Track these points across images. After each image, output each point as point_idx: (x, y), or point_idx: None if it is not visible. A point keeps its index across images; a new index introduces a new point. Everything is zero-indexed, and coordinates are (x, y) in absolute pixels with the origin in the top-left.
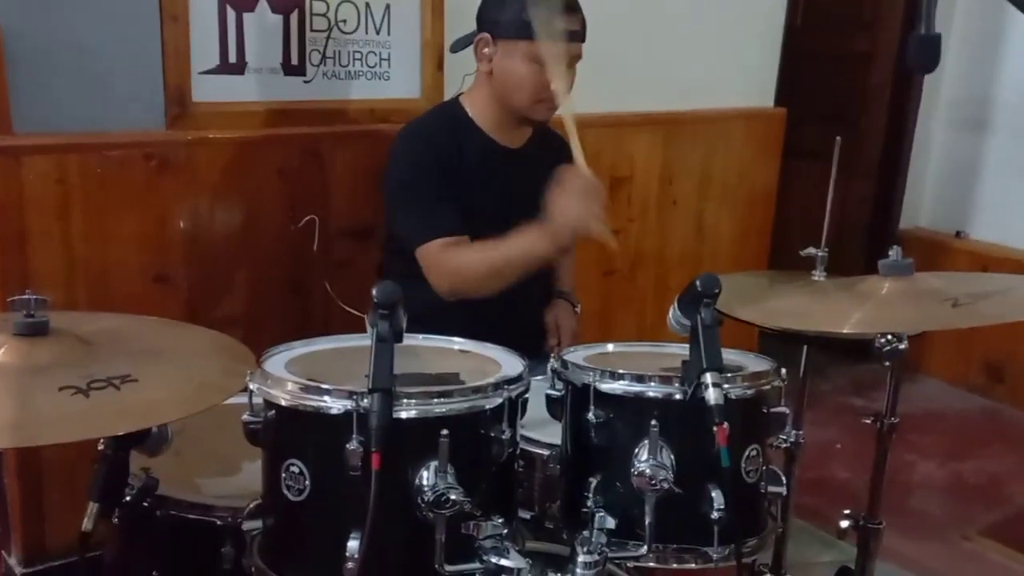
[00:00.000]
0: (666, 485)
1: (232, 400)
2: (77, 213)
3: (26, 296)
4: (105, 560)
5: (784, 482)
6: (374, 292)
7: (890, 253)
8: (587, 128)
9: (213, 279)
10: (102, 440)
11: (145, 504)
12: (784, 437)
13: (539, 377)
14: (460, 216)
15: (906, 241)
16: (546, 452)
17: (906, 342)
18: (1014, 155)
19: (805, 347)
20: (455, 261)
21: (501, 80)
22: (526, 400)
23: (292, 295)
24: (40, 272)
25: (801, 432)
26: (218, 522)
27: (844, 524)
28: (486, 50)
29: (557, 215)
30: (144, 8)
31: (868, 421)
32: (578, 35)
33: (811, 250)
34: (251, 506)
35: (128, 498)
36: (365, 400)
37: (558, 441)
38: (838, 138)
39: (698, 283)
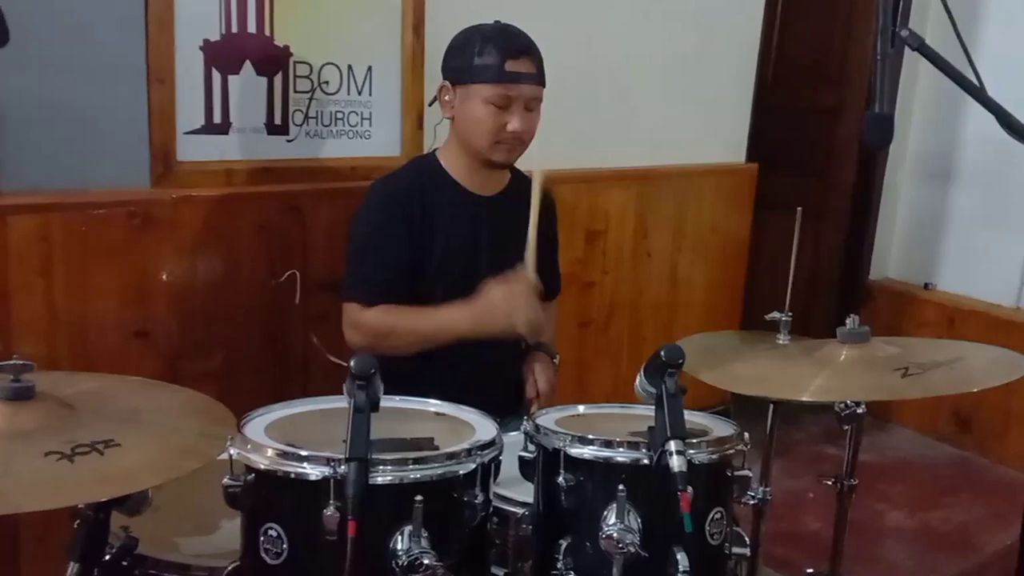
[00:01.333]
0: (632, 548)
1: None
2: (60, 269)
3: (13, 361)
4: None
5: (748, 543)
6: (351, 363)
7: (847, 321)
8: (563, 183)
9: (194, 334)
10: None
11: (124, 564)
12: (752, 494)
13: (514, 433)
14: (397, 283)
15: (876, 292)
16: (520, 510)
17: (863, 407)
18: (979, 208)
19: (771, 406)
20: (381, 323)
21: (461, 124)
22: (499, 463)
23: (272, 348)
24: (22, 326)
25: (768, 488)
26: None
27: None
28: (447, 97)
29: (488, 305)
30: (131, 70)
31: (829, 483)
32: (532, 77)
33: (775, 314)
34: (230, 567)
35: (107, 557)
36: (343, 467)
37: (531, 499)
38: (799, 209)
39: (663, 353)
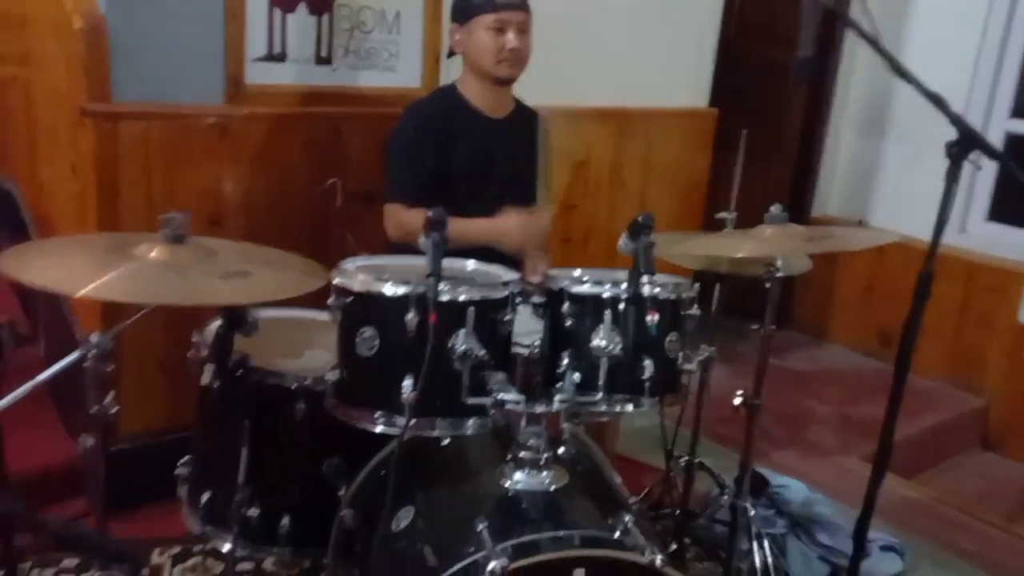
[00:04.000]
0: (615, 352)
1: (291, 314)
2: (156, 167)
3: (174, 215)
4: (206, 415)
5: (692, 360)
6: (429, 213)
7: (772, 208)
8: (552, 118)
9: (255, 225)
10: (217, 322)
11: (239, 372)
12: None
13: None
14: (430, 187)
15: (816, 225)
16: (525, 351)
17: (780, 271)
18: (908, 153)
19: (717, 284)
20: (413, 221)
21: (470, 54)
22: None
23: (315, 243)
24: (127, 213)
25: (713, 348)
26: (292, 387)
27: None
28: (457, 36)
29: (508, 228)
30: (211, 8)
31: (737, 402)
32: (518, 5)
33: (723, 214)
34: (330, 369)
35: (230, 364)
36: (421, 286)
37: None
38: (744, 131)
39: (639, 218)
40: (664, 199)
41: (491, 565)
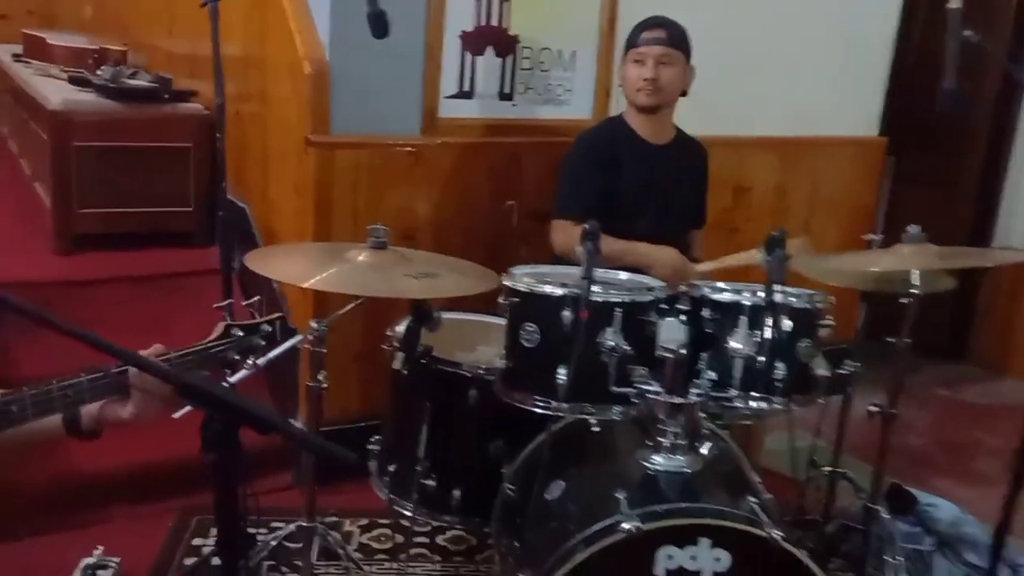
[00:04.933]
0: (748, 354)
1: (468, 317)
2: (363, 188)
3: (378, 226)
4: (395, 398)
5: (826, 367)
6: (586, 226)
7: (909, 228)
8: (716, 146)
9: (442, 240)
10: (407, 319)
11: (423, 360)
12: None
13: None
14: (596, 206)
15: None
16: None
17: (917, 287)
18: None
19: (864, 304)
20: (575, 235)
21: (623, 83)
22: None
23: (494, 256)
24: (337, 227)
25: (858, 364)
26: (468, 375)
27: None
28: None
29: (664, 260)
30: (412, 51)
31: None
32: (660, 40)
33: (870, 236)
34: (499, 358)
35: (417, 351)
36: (575, 288)
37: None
38: (891, 156)
39: (775, 232)
40: (830, 226)
41: (626, 525)
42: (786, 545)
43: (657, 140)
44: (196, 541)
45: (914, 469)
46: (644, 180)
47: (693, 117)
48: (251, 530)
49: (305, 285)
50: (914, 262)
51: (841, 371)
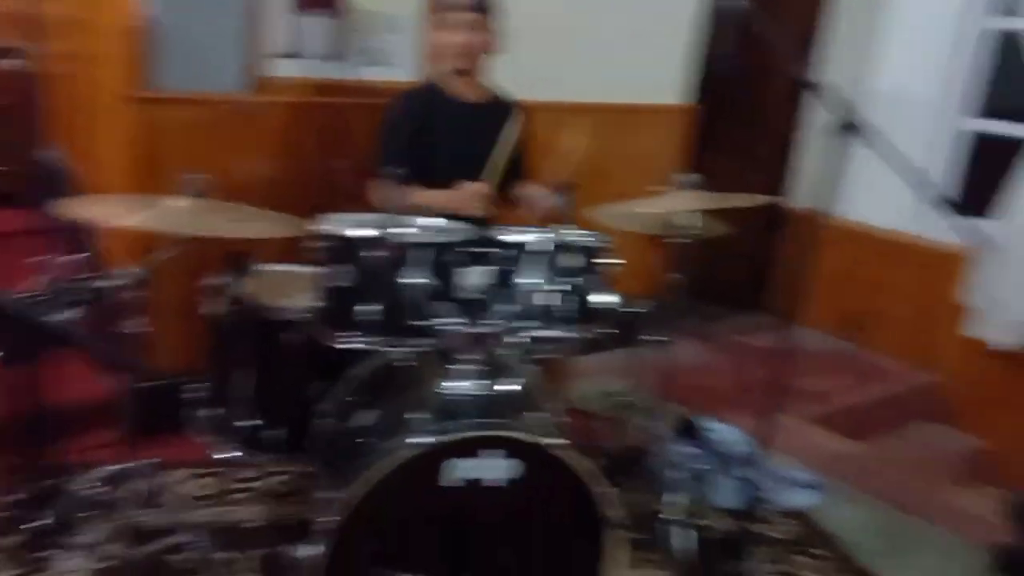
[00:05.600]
0: (539, 289)
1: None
2: (189, 146)
3: (194, 175)
4: (216, 344)
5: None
6: (390, 170)
7: (684, 177)
8: (533, 112)
9: (270, 199)
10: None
11: (241, 308)
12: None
13: None
14: (411, 162)
15: (794, 218)
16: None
17: (689, 228)
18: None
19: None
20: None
21: (433, 47)
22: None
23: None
24: (164, 185)
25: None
26: (283, 318)
27: None
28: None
29: (460, 196)
30: (238, 9)
31: None
32: (469, 5)
33: (656, 187)
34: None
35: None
36: (375, 230)
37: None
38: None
39: (563, 182)
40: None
41: (412, 440)
42: (570, 454)
43: (471, 99)
44: None
45: (711, 404)
46: (459, 137)
47: (512, 81)
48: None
49: (116, 224)
50: (687, 204)
51: (632, 311)
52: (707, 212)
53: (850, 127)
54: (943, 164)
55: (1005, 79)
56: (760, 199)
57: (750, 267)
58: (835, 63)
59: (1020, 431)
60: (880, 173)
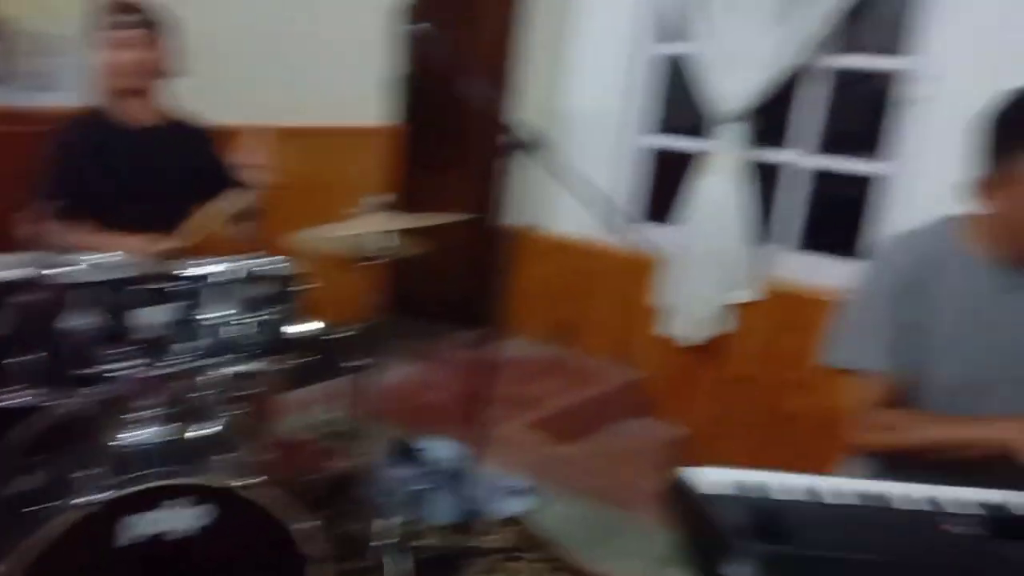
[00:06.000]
0: (222, 323)
1: None
2: None
3: None
4: None
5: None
6: (42, 207)
7: (367, 198)
8: (231, 135)
9: None
10: None
11: None
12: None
13: None
14: (73, 194)
15: (503, 234)
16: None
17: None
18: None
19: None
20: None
21: (98, 68)
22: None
23: None
24: None
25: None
26: None
27: None
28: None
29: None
30: None
31: None
32: (132, 23)
33: (352, 209)
34: None
35: None
36: (26, 271)
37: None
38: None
39: (244, 207)
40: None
41: (80, 501)
42: (265, 493)
43: (143, 123)
44: None
45: (432, 422)
46: (128, 164)
47: (211, 105)
48: None
49: None
50: (380, 225)
51: (336, 337)
52: (408, 231)
53: (531, 146)
54: (629, 178)
55: (674, 99)
56: (455, 217)
57: (468, 283)
58: (530, 86)
59: (709, 415)
60: (577, 188)
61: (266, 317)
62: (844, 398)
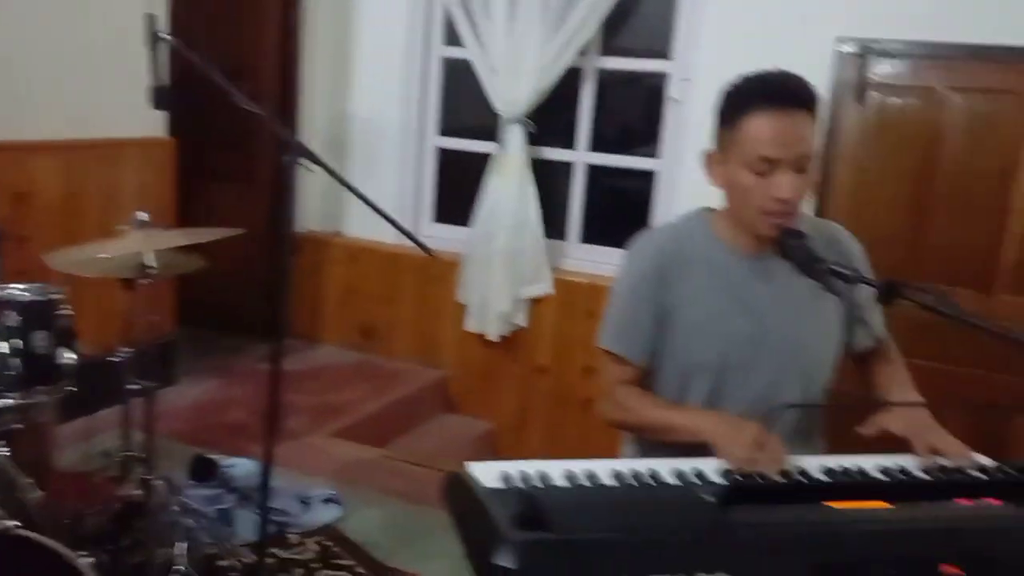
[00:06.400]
0: None
1: None
2: None
3: None
4: None
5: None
6: None
7: (136, 214)
8: None
9: None
10: None
11: None
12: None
13: None
14: None
15: (302, 241)
16: None
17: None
18: (365, 169)
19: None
20: None
21: None
22: None
23: None
24: None
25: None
26: None
27: None
28: None
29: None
30: None
31: None
32: None
33: (122, 226)
34: None
35: None
36: None
37: None
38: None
39: None
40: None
41: None
42: (33, 535)
43: None
44: None
45: (233, 439)
46: None
47: None
48: None
49: None
50: (150, 243)
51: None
52: (185, 246)
53: (314, 153)
54: (421, 179)
55: (465, 101)
56: (226, 232)
57: (268, 294)
58: (315, 91)
59: (512, 408)
60: (373, 192)
61: (28, 345)
62: (600, 379)
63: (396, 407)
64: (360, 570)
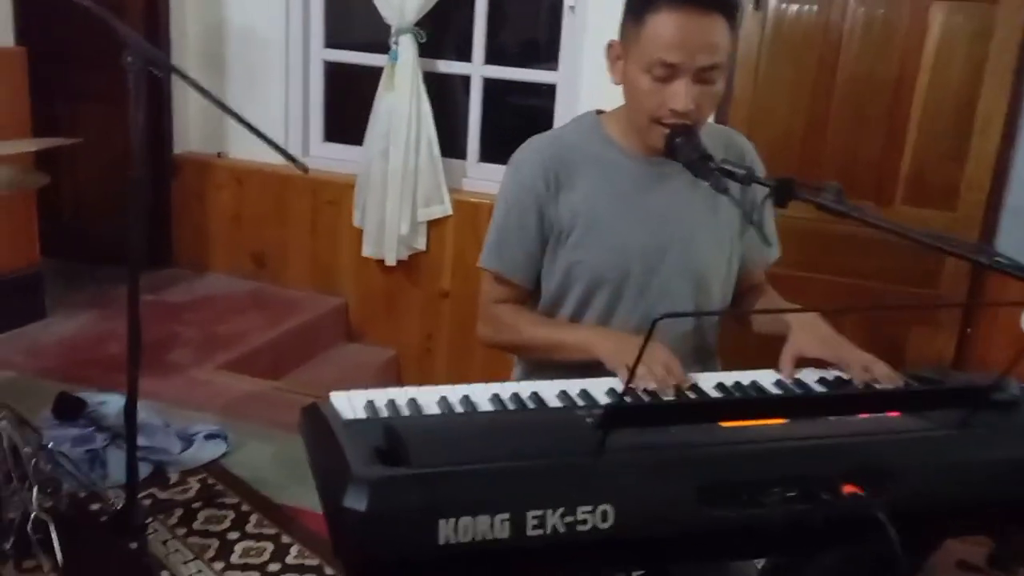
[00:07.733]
0: None
1: None
2: None
3: None
4: None
5: None
6: None
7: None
8: None
9: None
10: None
11: None
12: None
13: None
14: None
15: (182, 163)
16: None
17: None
18: (246, 86)
19: None
20: None
21: None
22: None
23: None
24: None
25: None
26: None
27: None
28: None
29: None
30: None
31: None
32: None
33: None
34: None
35: None
36: None
37: None
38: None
39: None
40: None
41: None
42: None
43: None
44: None
45: (108, 375)
46: None
47: None
48: None
49: None
50: None
51: None
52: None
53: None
54: (308, 96)
55: (345, 8)
56: (67, 141)
57: (150, 221)
58: (189, 4)
59: (416, 334)
60: (257, 110)
61: None
62: (480, 299)
63: (291, 337)
64: (245, 507)
